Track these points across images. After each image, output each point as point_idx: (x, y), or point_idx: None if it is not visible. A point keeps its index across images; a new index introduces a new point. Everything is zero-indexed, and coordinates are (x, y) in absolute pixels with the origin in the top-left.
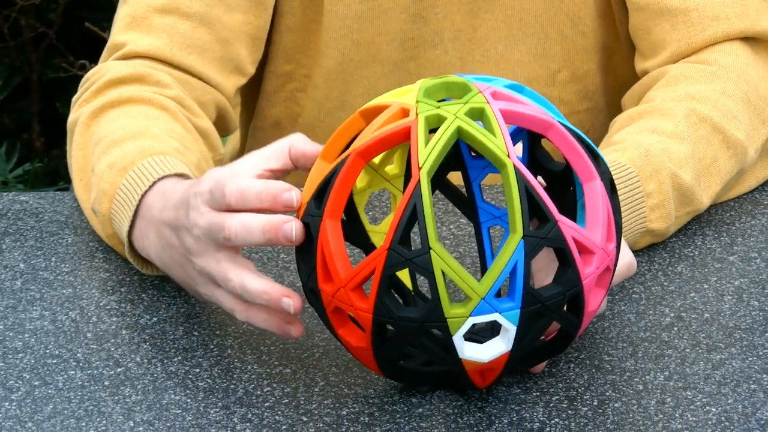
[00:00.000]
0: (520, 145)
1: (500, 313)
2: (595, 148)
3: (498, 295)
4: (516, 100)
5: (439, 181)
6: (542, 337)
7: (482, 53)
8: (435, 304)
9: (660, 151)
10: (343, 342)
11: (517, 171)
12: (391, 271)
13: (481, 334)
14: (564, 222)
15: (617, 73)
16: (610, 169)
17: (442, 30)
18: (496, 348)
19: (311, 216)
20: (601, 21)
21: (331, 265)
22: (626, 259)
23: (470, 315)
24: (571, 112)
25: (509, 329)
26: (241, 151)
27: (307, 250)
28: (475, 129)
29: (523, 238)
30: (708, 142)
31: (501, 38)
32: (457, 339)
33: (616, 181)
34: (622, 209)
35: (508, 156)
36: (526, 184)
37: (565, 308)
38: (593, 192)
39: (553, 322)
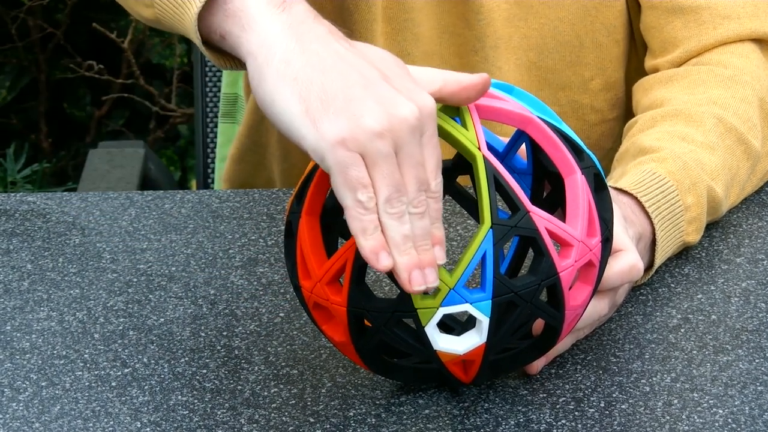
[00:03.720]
0: (523, 148)
1: (471, 303)
2: (581, 144)
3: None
4: (495, 96)
5: (448, 184)
6: (531, 334)
7: (515, 61)
8: (404, 294)
9: (694, 163)
10: (328, 338)
11: (486, 161)
12: (361, 261)
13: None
14: (536, 212)
15: (631, 79)
16: (649, 179)
17: (483, 37)
18: (471, 339)
19: (293, 213)
20: (629, 29)
21: (308, 260)
22: (629, 261)
23: (440, 306)
24: (603, 121)
25: (482, 320)
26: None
27: (290, 247)
28: (448, 123)
29: (491, 227)
30: (733, 152)
31: (533, 46)
32: (430, 330)
33: (654, 193)
34: (662, 223)
35: (479, 148)
36: (495, 174)
37: (543, 300)
38: (573, 185)
39: (538, 317)
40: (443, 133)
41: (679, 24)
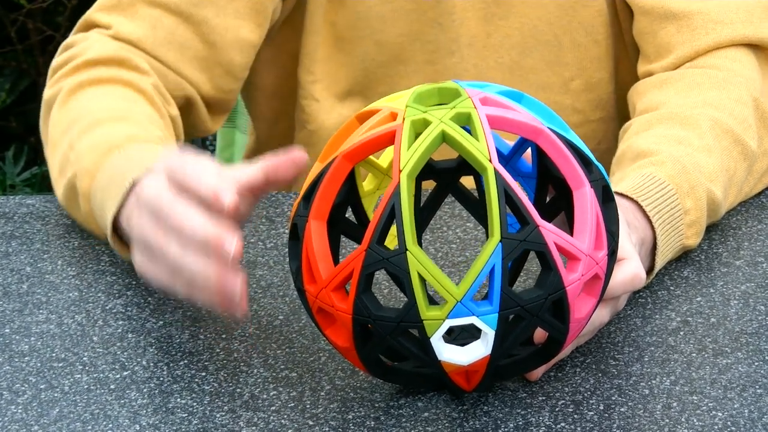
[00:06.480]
0: (529, 152)
1: (478, 316)
2: (590, 156)
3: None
4: (506, 106)
5: (452, 184)
6: (534, 344)
7: (496, 60)
8: (411, 305)
9: (692, 166)
10: (331, 342)
11: (497, 174)
12: (369, 271)
13: (475, 335)
14: (545, 226)
15: (622, 81)
16: (649, 183)
17: (458, 37)
18: (476, 351)
19: (299, 216)
20: (612, 30)
21: (314, 265)
22: (631, 270)
23: (447, 317)
24: (585, 121)
25: (488, 332)
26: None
27: (295, 250)
28: (458, 133)
29: (500, 240)
30: (729, 154)
31: (514, 45)
32: (435, 341)
33: (654, 197)
34: (663, 227)
35: (490, 160)
36: (505, 187)
37: (549, 313)
38: (582, 199)
39: (539, 328)
40: (453, 143)
41: (672, 29)
